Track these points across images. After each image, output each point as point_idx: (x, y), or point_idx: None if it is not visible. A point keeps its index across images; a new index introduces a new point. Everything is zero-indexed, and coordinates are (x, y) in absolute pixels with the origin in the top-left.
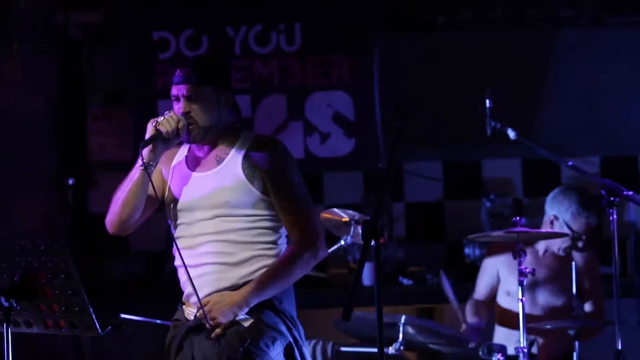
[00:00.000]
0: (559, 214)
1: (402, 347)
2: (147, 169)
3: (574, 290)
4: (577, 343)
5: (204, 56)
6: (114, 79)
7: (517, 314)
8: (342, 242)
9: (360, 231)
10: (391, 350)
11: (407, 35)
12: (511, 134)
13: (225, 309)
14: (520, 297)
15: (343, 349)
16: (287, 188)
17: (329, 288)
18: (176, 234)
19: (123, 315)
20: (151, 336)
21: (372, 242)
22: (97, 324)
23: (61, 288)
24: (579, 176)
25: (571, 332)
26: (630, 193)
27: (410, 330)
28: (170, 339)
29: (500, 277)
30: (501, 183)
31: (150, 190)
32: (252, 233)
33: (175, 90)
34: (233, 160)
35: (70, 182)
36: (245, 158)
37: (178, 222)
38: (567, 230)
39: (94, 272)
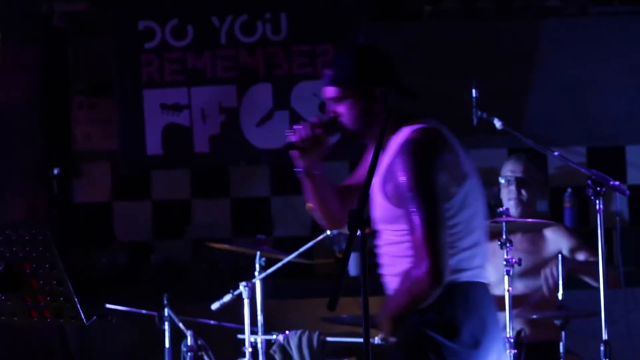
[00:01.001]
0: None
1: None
2: (307, 175)
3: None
4: (563, 333)
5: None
6: (98, 68)
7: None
8: (328, 232)
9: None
10: (377, 340)
11: (393, 25)
12: (497, 123)
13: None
14: (506, 287)
15: (329, 339)
16: (405, 200)
17: (315, 278)
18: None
19: (108, 305)
20: (136, 326)
21: (358, 232)
22: (82, 314)
23: (46, 278)
24: (565, 166)
25: (557, 322)
26: (617, 183)
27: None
28: None
29: None
30: (487, 173)
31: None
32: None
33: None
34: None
35: (55, 171)
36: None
37: None
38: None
39: (79, 262)
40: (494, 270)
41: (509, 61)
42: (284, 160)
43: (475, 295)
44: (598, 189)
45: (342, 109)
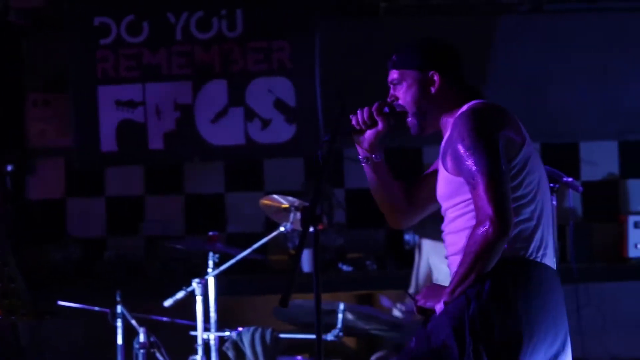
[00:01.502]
0: None
1: (340, 334)
2: (368, 162)
3: None
4: None
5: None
6: (54, 64)
7: None
8: (282, 229)
9: (300, 217)
10: (330, 336)
11: (348, 21)
12: None
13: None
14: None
15: (282, 335)
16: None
17: (269, 274)
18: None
19: (61, 302)
20: (88, 323)
21: (311, 229)
22: (35, 310)
23: None
24: None
25: None
26: (570, 179)
27: (349, 316)
28: None
29: (431, 262)
30: None
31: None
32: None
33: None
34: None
35: (9, 168)
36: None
37: None
38: None
39: (32, 259)
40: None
41: (464, 57)
42: (239, 156)
43: (539, 278)
44: (551, 185)
45: (400, 92)
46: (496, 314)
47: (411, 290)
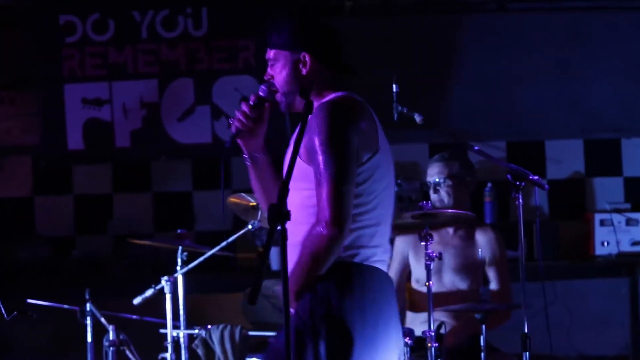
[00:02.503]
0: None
1: None
2: (254, 160)
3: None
4: (483, 326)
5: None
6: (19, 62)
7: (424, 298)
8: (250, 227)
9: (267, 215)
10: None
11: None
12: (417, 118)
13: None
14: (427, 281)
15: (251, 333)
16: (315, 156)
17: (237, 272)
18: None
19: (29, 300)
20: (57, 321)
21: (279, 226)
22: (2, 309)
23: None
24: (485, 160)
25: (477, 315)
26: (536, 177)
27: None
28: None
29: (409, 262)
30: (409, 167)
31: None
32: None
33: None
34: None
35: None
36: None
37: None
38: (430, 192)
39: None
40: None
41: (429, 56)
42: (206, 154)
43: (372, 282)
44: (518, 183)
45: (274, 71)
46: (329, 317)
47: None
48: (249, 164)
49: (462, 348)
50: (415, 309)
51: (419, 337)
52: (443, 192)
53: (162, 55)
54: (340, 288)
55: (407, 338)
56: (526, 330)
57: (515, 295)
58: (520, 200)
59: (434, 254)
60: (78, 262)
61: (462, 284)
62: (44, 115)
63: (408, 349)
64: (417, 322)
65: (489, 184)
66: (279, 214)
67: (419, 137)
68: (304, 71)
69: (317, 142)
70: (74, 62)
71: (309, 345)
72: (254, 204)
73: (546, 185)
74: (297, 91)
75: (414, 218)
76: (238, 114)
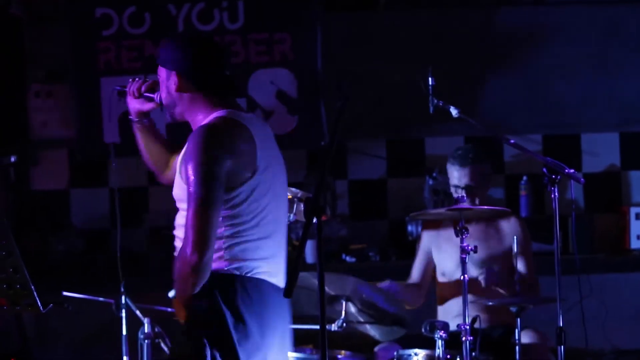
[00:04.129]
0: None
1: (344, 325)
2: (137, 123)
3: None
4: (518, 320)
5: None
6: (56, 55)
7: (452, 292)
8: (290, 218)
9: (303, 208)
10: (334, 327)
11: (349, 14)
12: (454, 111)
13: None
14: (462, 274)
15: None
16: (187, 180)
17: None
18: None
19: (65, 293)
20: (92, 314)
21: (315, 220)
22: (38, 301)
23: (2, 266)
24: (521, 154)
25: (513, 308)
26: (572, 171)
27: (352, 309)
28: None
29: (433, 257)
30: (444, 161)
31: None
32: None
33: None
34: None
35: (12, 159)
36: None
37: None
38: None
39: (36, 250)
40: (449, 257)
41: (464, 49)
42: None
43: (256, 293)
44: (553, 176)
45: (161, 84)
46: (216, 330)
47: (409, 280)
48: (136, 126)
49: (495, 339)
50: (444, 301)
51: (453, 332)
52: (465, 194)
53: None
54: (224, 301)
55: (442, 332)
56: (561, 324)
57: (550, 289)
58: (556, 194)
59: (470, 247)
60: (114, 255)
61: (489, 275)
62: (80, 108)
63: (443, 342)
64: (450, 317)
65: (525, 177)
66: (315, 208)
67: (454, 130)
68: (173, 88)
69: (189, 166)
70: (110, 56)
71: (207, 354)
72: (290, 197)
73: (582, 179)
74: (174, 107)
75: (450, 211)
76: (134, 85)
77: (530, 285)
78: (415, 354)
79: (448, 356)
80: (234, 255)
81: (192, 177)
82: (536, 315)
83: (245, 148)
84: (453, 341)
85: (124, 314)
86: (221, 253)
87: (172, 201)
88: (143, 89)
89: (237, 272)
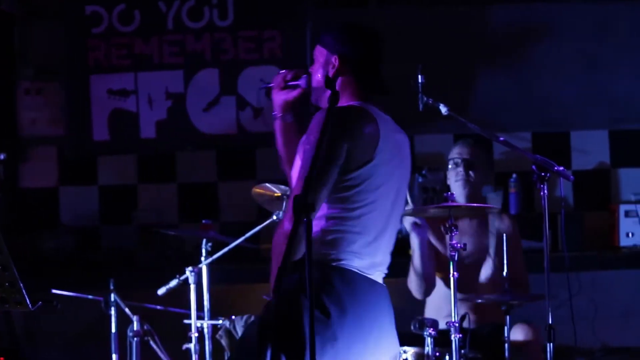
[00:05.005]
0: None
1: None
2: (280, 119)
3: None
4: (508, 317)
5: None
6: (46, 53)
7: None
8: (275, 217)
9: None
10: None
11: (339, 12)
12: (443, 109)
13: None
14: (451, 272)
15: None
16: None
17: (261, 263)
18: None
19: (54, 291)
20: (82, 311)
21: (304, 217)
22: (27, 299)
23: None
24: (510, 151)
25: (502, 306)
26: (561, 169)
27: None
28: None
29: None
30: (433, 158)
31: None
32: None
33: None
34: None
35: (2, 157)
36: None
37: None
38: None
39: (25, 247)
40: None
41: (454, 47)
42: (231, 145)
43: (339, 282)
44: (543, 174)
45: (315, 66)
46: (295, 313)
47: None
48: (278, 122)
49: (484, 337)
50: (434, 298)
51: (442, 330)
52: (461, 169)
53: (187, 45)
54: (320, 285)
55: (431, 329)
56: (550, 322)
57: (539, 286)
58: (545, 191)
59: (459, 245)
60: (103, 253)
61: (477, 272)
62: (69, 106)
63: (432, 340)
64: (441, 316)
65: (514, 175)
66: (304, 205)
67: (444, 128)
68: (331, 72)
69: (304, 139)
70: (100, 53)
71: (292, 333)
72: (279, 194)
73: (571, 177)
74: (324, 89)
75: (438, 209)
76: (278, 77)
77: (520, 283)
78: (404, 352)
79: (437, 354)
80: (330, 240)
81: (306, 144)
82: (525, 313)
83: (366, 135)
84: (442, 339)
85: (113, 312)
86: (321, 235)
87: (161, 199)
88: (288, 77)
89: (338, 262)
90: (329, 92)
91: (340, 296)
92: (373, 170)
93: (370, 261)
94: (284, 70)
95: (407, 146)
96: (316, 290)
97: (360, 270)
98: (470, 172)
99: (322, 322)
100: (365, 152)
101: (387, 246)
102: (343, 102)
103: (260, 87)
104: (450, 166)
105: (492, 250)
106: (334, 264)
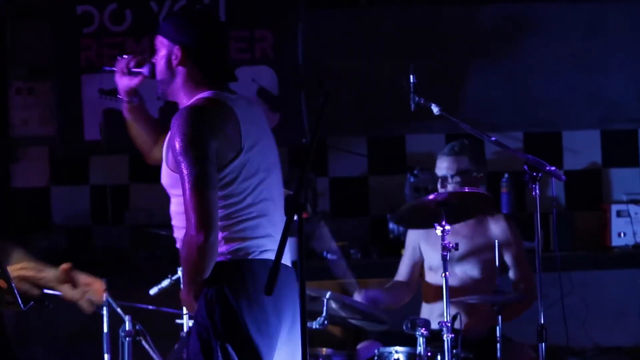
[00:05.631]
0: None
1: (326, 322)
2: (125, 103)
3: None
4: (499, 318)
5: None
6: (37, 52)
7: (437, 288)
8: None
9: (284, 206)
10: (315, 324)
11: (331, 11)
12: (435, 109)
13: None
14: (443, 272)
15: None
16: (178, 163)
17: None
18: None
19: (46, 291)
20: (74, 311)
21: (296, 217)
22: (19, 299)
23: None
24: (502, 151)
25: (495, 307)
26: (553, 168)
27: (334, 304)
28: None
29: (422, 252)
30: (425, 158)
31: None
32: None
33: None
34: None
35: None
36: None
37: None
38: (438, 185)
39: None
40: (435, 253)
41: (446, 47)
42: None
43: (264, 275)
44: (534, 174)
45: (157, 56)
46: (224, 316)
47: (396, 277)
48: (125, 105)
49: (478, 339)
50: (429, 299)
51: (434, 330)
52: (450, 188)
53: None
54: (234, 288)
55: (424, 329)
56: (542, 321)
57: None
58: (537, 191)
59: (451, 245)
60: (95, 253)
61: (473, 274)
62: (61, 105)
63: (424, 340)
64: (434, 316)
65: (506, 175)
66: (296, 205)
67: (435, 127)
68: (174, 63)
69: (177, 149)
70: (91, 53)
71: (216, 351)
72: None
73: (563, 176)
74: (169, 81)
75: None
76: (122, 62)
77: (527, 287)
78: (397, 352)
79: (429, 354)
80: (234, 237)
81: (182, 159)
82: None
83: (230, 128)
84: (434, 339)
85: (105, 312)
86: (220, 236)
87: (153, 199)
88: (131, 64)
89: (242, 256)
90: (176, 84)
91: (255, 287)
92: (246, 158)
93: (275, 240)
94: (128, 55)
95: (261, 110)
96: (238, 292)
97: (271, 255)
98: (461, 183)
99: (264, 321)
100: (232, 146)
101: (281, 223)
102: (192, 94)
103: (104, 69)
104: (439, 184)
105: (487, 252)
106: (252, 257)
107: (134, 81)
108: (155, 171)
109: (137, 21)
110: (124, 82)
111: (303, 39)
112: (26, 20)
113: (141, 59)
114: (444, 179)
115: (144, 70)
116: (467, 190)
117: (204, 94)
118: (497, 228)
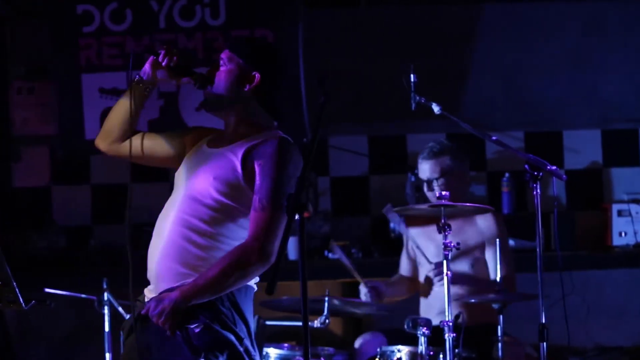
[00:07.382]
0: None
1: (327, 321)
2: (143, 90)
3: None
4: (501, 316)
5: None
6: (37, 52)
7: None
8: None
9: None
10: (316, 323)
11: (331, 11)
12: (435, 108)
13: (162, 307)
14: (445, 271)
15: (268, 322)
16: (264, 183)
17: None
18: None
19: (47, 290)
20: (75, 310)
21: (297, 216)
22: (20, 298)
23: None
24: (503, 151)
25: (495, 305)
26: (554, 168)
27: (335, 301)
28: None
29: (414, 246)
30: None
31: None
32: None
33: None
34: (238, 147)
35: None
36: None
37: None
38: (425, 189)
39: (18, 246)
40: (431, 252)
41: (446, 46)
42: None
43: (248, 299)
44: (535, 173)
45: (223, 70)
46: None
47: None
48: (136, 85)
49: (476, 336)
50: (424, 294)
51: (436, 327)
52: (437, 190)
53: (179, 44)
54: (232, 308)
55: (425, 328)
56: (543, 321)
57: (532, 286)
58: (538, 191)
59: (452, 244)
60: (96, 252)
61: (463, 269)
62: (61, 105)
63: (426, 339)
64: (434, 313)
65: (507, 174)
66: (297, 204)
67: (436, 127)
68: (247, 86)
69: (269, 169)
70: (91, 52)
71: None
72: None
73: (564, 176)
74: (230, 99)
75: (432, 208)
76: (169, 53)
77: (505, 279)
78: (399, 351)
79: (431, 352)
80: None
81: (272, 184)
82: (518, 313)
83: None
84: (436, 337)
85: (106, 311)
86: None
87: (153, 198)
88: (176, 61)
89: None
90: (237, 107)
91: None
92: None
93: None
94: (177, 50)
95: None
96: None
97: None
98: (446, 183)
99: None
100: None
101: None
102: (254, 123)
103: (139, 52)
104: (425, 188)
105: (476, 249)
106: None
107: (168, 77)
108: (155, 171)
109: (137, 20)
110: (159, 73)
111: (303, 38)
112: (26, 20)
113: (185, 62)
114: (429, 182)
115: (191, 81)
116: (469, 205)
117: (281, 134)
118: (484, 223)
